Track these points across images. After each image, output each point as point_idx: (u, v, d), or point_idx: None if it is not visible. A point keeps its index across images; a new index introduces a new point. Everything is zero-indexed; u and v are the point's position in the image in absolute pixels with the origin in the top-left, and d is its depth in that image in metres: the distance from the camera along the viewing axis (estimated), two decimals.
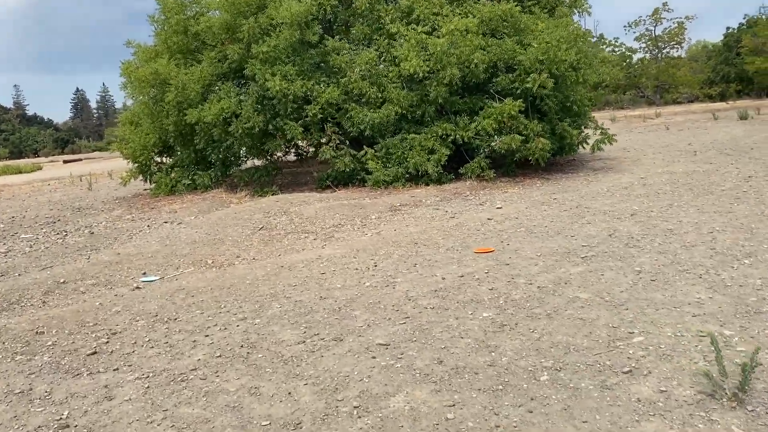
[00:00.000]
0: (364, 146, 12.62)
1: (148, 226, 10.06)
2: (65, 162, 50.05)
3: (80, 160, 52.65)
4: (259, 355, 4.23)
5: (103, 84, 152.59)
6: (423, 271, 6.07)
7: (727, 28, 66.23)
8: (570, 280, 5.25)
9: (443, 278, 5.71)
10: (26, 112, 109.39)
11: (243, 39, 12.39)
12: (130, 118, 16.44)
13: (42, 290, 6.48)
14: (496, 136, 12.05)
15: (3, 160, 68.95)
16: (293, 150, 18.16)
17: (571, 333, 4.05)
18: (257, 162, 15.41)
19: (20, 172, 37.66)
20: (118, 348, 4.63)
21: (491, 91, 12.41)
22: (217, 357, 4.28)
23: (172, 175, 15.35)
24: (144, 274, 7.01)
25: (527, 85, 11.69)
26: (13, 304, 6.08)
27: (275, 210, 10.13)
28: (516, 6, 11.98)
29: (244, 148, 13.30)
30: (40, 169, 41.18)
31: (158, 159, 16.26)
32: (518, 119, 11.77)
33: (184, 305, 5.60)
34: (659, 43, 61.60)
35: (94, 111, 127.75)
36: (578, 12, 13.83)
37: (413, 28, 11.84)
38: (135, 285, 6.52)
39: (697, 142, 17.34)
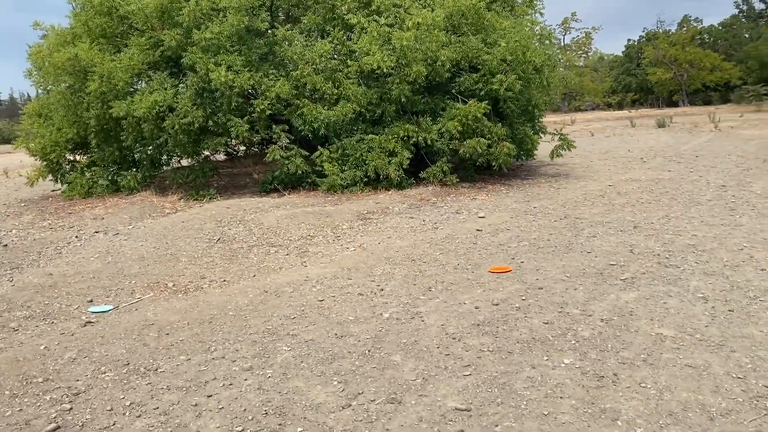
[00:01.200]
0: (319, 147, 11.55)
1: (77, 236, 8.50)
2: None
3: None
4: (298, 430, 3.19)
5: None
6: (444, 296, 5.20)
7: (628, 40, 70.06)
8: (632, 310, 4.55)
9: (476, 307, 4.86)
10: None
11: (182, 23, 10.97)
12: (38, 110, 14.43)
13: None
14: (457, 140, 11.35)
15: None
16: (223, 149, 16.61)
17: (693, 388, 3.31)
18: (184, 162, 13.92)
19: None
20: (89, 419, 3.42)
21: (452, 91, 11.72)
22: None
23: (88, 175, 13.57)
24: (91, 301, 5.67)
25: (493, 87, 11.10)
26: None
27: (228, 218, 8.89)
28: (480, 1, 11.33)
29: (177, 147, 11.80)
30: None
31: (71, 157, 14.34)
32: (482, 122, 11.14)
33: (160, 348, 4.40)
34: (567, 52, 63.98)
35: None
36: (532, 12, 13.42)
37: (375, 20, 10.91)
38: (84, 318, 5.20)
39: (634, 148, 17.56)
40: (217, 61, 10.74)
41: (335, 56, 11.51)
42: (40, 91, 14.91)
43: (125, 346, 4.44)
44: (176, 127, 11.04)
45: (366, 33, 10.94)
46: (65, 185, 14.25)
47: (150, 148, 12.14)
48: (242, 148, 17.46)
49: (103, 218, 10.27)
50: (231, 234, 8.13)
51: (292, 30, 11.57)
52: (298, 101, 11.41)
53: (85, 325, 5.00)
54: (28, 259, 7.48)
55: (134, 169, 13.51)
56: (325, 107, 11.28)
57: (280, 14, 12.97)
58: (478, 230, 7.78)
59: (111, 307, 5.47)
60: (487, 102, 11.02)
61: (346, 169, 11.27)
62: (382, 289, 5.53)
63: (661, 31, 61.20)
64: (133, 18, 11.70)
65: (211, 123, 11.47)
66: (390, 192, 11.05)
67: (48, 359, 4.26)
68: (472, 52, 11.27)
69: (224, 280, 6.22)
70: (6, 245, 8.42)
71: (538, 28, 11.97)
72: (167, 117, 11.21)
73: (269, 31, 11.71)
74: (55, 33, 12.97)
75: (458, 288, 5.41)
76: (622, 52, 68.14)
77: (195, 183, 12.27)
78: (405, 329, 4.49)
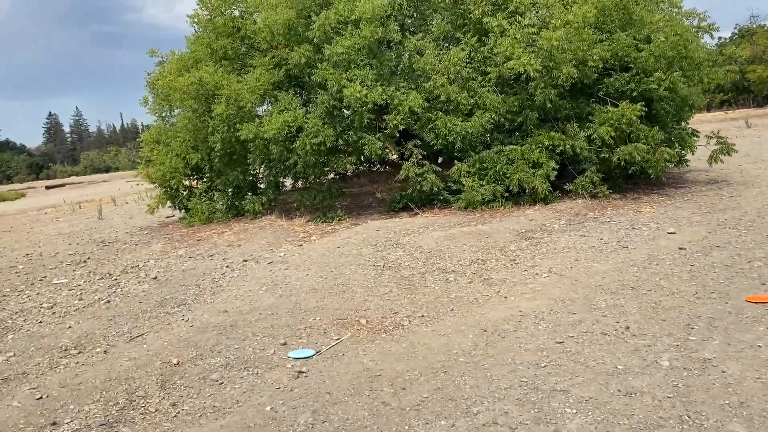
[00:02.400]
0: (455, 161, 10.78)
1: (228, 266, 8.03)
2: (48, 188, 47.31)
3: (63, 185, 49.91)
4: None
5: (77, 108, 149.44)
6: (720, 337, 4.24)
7: (719, 38, 66.20)
8: None
9: None
10: None
11: (311, 39, 10.50)
12: (156, 137, 14.41)
13: (154, 379, 4.48)
14: (607, 147, 10.29)
15: None
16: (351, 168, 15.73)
17: None
18: (298, 184, 13.46)
19: (3, 200, 35.02)
20: None
21: (599, 94, 10.70)
22: None
23: (207, 200, 13.36)
24: (285, 344, 5.04)
25: (649, 86, 10.00)
26: (125, 409, 4.07)
27: (382, 241, 8.20)
28: None
29: (306, 168, 11.29)
30: (24, 196, 38.56)
31: (186, 183, 14.16)
32: (636, 125, 10.06)
33: (407, 409, 3.66)
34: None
35: (68, 135, 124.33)
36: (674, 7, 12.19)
37: (517, 21, 10.07)
38: (290, 366, 4.55)
39: None
40: (349, 76, 10.18)
41: (469, 63, 10.73)
42: (153, 118, 14.93)
43: (365, 407, 3.73)
44: (307, 147, 10.54)
45: (506, 36, 10.11)
46: (183, 211, 14.13)
47: (275, 170, 11.70)
48: (355, 167, 16.92)
49: (239, 245, 9.84)
50: (393, 259, 7.42)
51: (423, 39, 10.89)
52: (430, 114, 10.69)
53: (297, 377, 4.34)
54: (190, 293, 7.00)
55: (253, 193, 13.22)
56: (460, 119, 10.51)
57: (406, 23, 12.34)
58: (681, 249, 6.74)
59: (312, 351, 4.81)
60: (642, 104, 9.93)
61: (484, 183, 10.43)
62: (627, 327, 4.62)
63: (755, 26, 57.42)
64: (257, 37, 11.37)
65: (341, 142, 10.93)
66: (536, 207, 10.10)
67: (282, 425, 3.59)
68: (622, 50, 10.23)
69: (422, 316, 5.47)
70: (156, 278, 8.05)
71: (695, 19, 10.79)
72: (297, 137, 10.77)
73: (399, 42, 11.08)
74: (175, 58, 12.86)
75: (728, 324, 4.43)
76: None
77: (322, 205, 11.75)
78: (708, 384, 3.56)
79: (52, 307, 7.24)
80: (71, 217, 19.16)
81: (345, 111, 10.83)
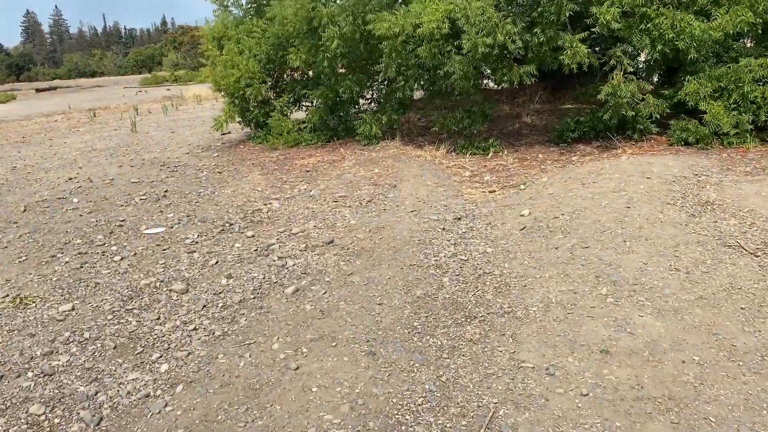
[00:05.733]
0: (682, 75, 7.83)
1: (443, 227, 5.18)
2: (38, 91, 43.06)
3: (54, 89, 45.57)
4: None
5: (56, 7, 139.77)
6: None
7: None
8: None
9: None
10: None
11: None
12: (221, 32, 11.15)
13: None
14: None
15: None
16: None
17: None
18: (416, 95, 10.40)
19: None
20: None
21: None
22: None
23: (300, 115, 10.38)
24: None
25: None
26: None
27: (674, 197, 5.36)
28: None
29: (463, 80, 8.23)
30: (15, 98, 34.56)
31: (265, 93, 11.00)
32: None
33: None
34: None
35: (47, 36, 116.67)
36: None
37: None
38: None
39: None
40: None
41: None
42: (216, 8, 11.55)
43: None
44: (474, 50, 7.48)
45: None
46: (256, 128, 11.18)
47: (421, 81, 8.64)
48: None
49: (393, 185, 6.97)
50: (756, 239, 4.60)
51: None
52: (646, 8, 7.60)
53: None
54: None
55: (355, 111, 10.23)
56: (697, 17, 7.46)
57: None
58: None
59: None
60: None
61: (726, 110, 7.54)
62: None
63: None
64: None
65: (518, 43, 7.86)
66: None
67: None
68: None
69: None
70: (332, 242, 5.19)
71: None
72: (450, 36, 7.71)
73: None
74: None
75: None
76: None
77: (470, 130, 8.81)
78: None
79: (225, 294, 4.43)
80: (93, 127, 15.98)
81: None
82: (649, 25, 7.65)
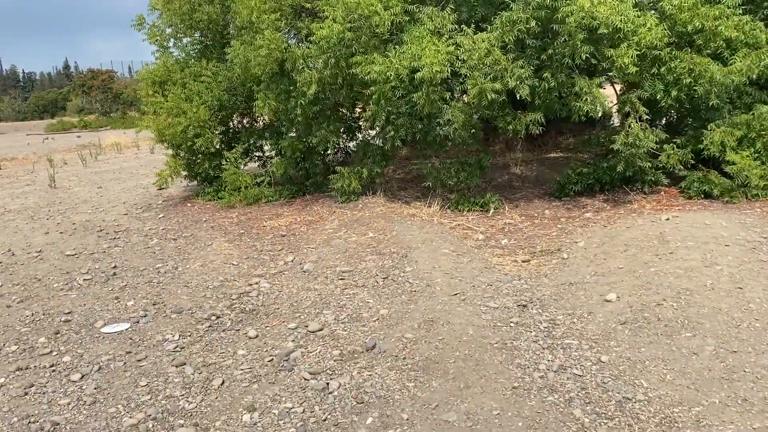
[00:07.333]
0: (694, 122, 7.21)
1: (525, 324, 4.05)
2: None
3: None
4: None
5: None
6: None
7: None
8: None
9: None
10: None
11: None
12: (162, 76, 9.72)
13: None
14: None
15: None
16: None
17: None
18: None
19: None
20: None
21: None
22: None
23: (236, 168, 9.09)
24: None
25: None
26: None
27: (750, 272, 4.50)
28: None
29: (463, 129, 7.23)
30: None
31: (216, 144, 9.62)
32: None
33: None
34: None
35: None
36: None
37: None
38: None
39: None
40: None
41: None
42: (155, 50, 10.12)
43: None
44: (479, 96, 6.55)
45: None
46: (205, 186, 9.81)
47: (413, 131, 7.55)
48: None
49: (406, 256, 5.79)
50: None
51: None
52: (662, 52, 6.96)
53: None
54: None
55: (322, 162, 9.06)
56: (707, 61, 6.89)
57: None
58: None
59: None
60: None
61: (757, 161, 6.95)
62: None
63: None
64: None
65: (525, 87, 6.99)
66: None
67: None
68: None
69: None
70: (340, 353, 3.93)
71: None
72: (451, 80, 6.79)
73: None
74: None
75: None
76: None
77: (465, 185, 7.82)
78: None
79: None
80: (1, 182, 13.81)
81: (533, 41, 6.89)
82: (662, 69, 7.03)
